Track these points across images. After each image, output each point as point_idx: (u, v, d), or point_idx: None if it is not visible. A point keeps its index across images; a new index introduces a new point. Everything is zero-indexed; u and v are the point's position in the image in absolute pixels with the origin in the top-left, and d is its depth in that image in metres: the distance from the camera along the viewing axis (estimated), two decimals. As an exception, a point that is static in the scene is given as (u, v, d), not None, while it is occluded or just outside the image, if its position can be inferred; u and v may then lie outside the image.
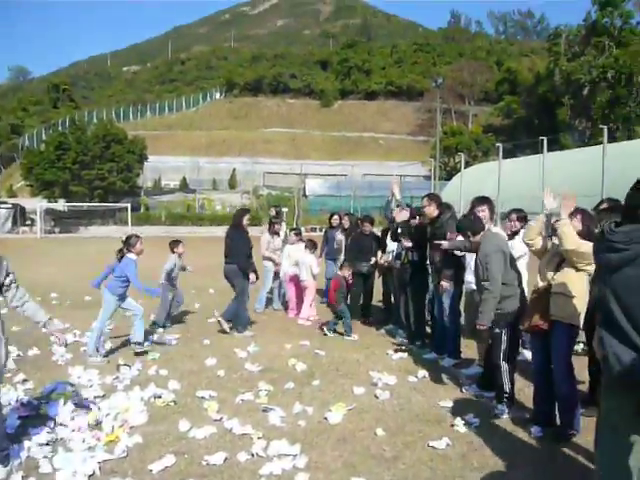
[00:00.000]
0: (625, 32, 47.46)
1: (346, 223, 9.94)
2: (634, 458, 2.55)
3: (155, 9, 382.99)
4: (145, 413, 4.85)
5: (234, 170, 54.57)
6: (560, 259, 4.47)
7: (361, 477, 3.81)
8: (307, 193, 48.87)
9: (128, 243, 6.84)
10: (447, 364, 6.40)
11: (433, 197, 6.82)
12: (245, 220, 8.16)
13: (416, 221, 7.03)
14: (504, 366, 4.95)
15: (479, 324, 4.90)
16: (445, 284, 6.23)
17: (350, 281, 8.40)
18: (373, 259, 8.53)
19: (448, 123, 60.17)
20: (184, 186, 51.44)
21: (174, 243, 8.51)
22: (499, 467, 3.98)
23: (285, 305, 9.73)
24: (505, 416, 4.84)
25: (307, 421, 4.76)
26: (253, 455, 4.14)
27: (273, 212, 10.39)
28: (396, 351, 6.95)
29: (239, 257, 7.85)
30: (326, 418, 4.80)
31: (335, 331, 7.98)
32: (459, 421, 4.67)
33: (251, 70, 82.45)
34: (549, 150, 29.19)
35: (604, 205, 5.06)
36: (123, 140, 43.37)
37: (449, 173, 46.33)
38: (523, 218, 6.38)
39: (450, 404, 5.12)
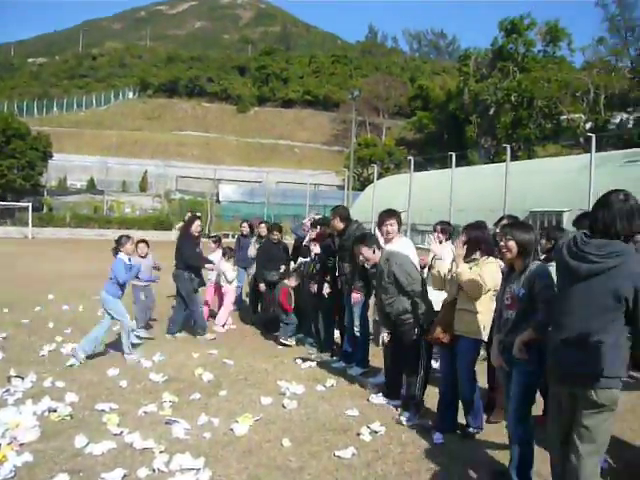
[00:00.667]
0: (528, 59, 50.47)
1: (263, 231, 9.85)
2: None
3: None
4: (37, 429, 4.55)
5: (145, 172, 52.87)
6: None
7: (265, 490, 3.76)
8: (220, 199, 48.25)
9: (119, 243, 6.95)
10: (355, 373, 6.47)
11: (337, 211, 6.92)
12: (194, 227, 8.32)
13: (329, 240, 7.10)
14: (420, 373, 5.09)
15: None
16: (356, 295, 6.31)
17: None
18: (283, 267, 8.50)
19: (362, 135, 61.44)
20: (92, 187, 49.22)
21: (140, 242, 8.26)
22: (402, 475, 4.05)
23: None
24: (411, 423, 4.95)
25: (212, 433, 4.64)
26: (154, 470, 3.98)
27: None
28: (305, 360, 6.94)
29: (184, 262, 8.02)
30: (232, 429, 4.71)
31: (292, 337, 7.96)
32: (365, 430, 4.72)
33: (166, 71, 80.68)
34: (457, 165, 30.43)
35: (504, 221, 5.36)
36: (25, 136, 40.77)
37: (362, 183, 47.35)
38: (447, 230, 6.51)
39: (356, 413, 5.16)
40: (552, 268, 3.72)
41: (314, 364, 6.82)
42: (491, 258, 4.56)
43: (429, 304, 5.18)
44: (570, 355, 3.10)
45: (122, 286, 6.87)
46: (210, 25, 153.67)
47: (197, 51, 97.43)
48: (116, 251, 6.93)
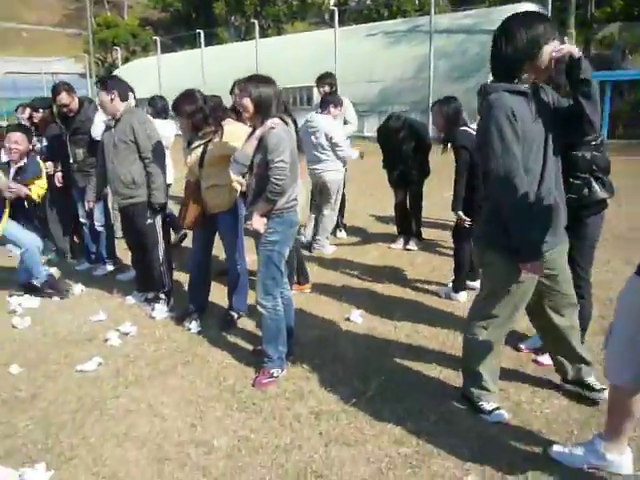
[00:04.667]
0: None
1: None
2: None
3: None
4: None
5: None
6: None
7: (-15, 431, 3.05)
8: None
9: None
10: (102, 272, 5.76)
11: (62, 86, 5.67)
12: None
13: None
14: (159, 260, 4.59)
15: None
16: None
17: None
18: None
19: (102, 14, 54.92)
20: None
21: None
22: (157, 375, 3.63)
23: None
24: (164, 315, 4.51)
25: None
26: None
27: None
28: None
29: None
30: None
31: None
32: (113, 334, 4.16)
33: None
34: (207, 44, 29.07)
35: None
36: None
37: (107, 70, 42.79)
38: None
39: (104, 317, 4.55)
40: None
41: (53, 269, 5.89)
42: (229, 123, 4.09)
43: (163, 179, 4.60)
44: None
45: None
46: None
47: None
48: None
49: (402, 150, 6.02)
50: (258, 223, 3.31)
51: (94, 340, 4.16)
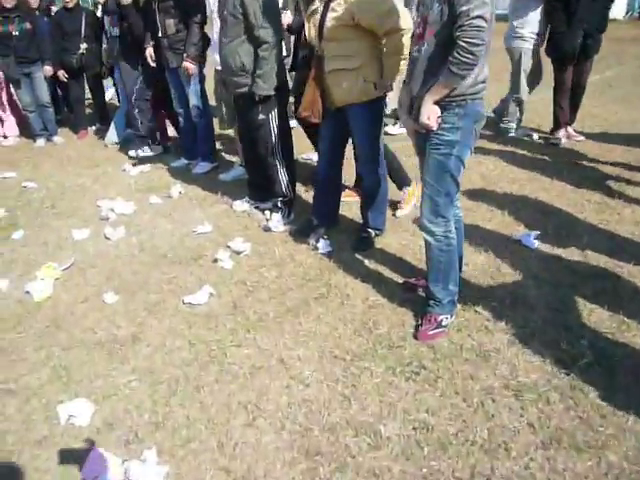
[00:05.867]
0: None
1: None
2: None
3: None
4: None
5: None
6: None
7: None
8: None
9: None
10: (201, 170, 4.94)
11: None
12: None
13: None
14: (278, 162, 3.66)
15: None
16: (190, 65, 4.49)
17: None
18: (83, 46, 6.16)
19: None
20: None
21: None
22: (285, 313, 2.82)
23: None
24: (281, 228, 3.66)
25: (-4, 303, 3.08)
26: None
27: None
28: (135, 165, 5.25)
29: None
30: (28, 292, 3.14)
31: None
32: (223, 253, 3.36)
33: None
34: None
35: None
36: None
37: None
38: None
39: (209, 228, 3.76)
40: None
41: (147, 167, 5.16)
42: None
43: (283, 67, 3.57)
44: None
45: None
46: None
47: None
48: None
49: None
50: (431, 114, 2.26)
51: (200, 259, 3.39)
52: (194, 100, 4.70)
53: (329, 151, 3.37)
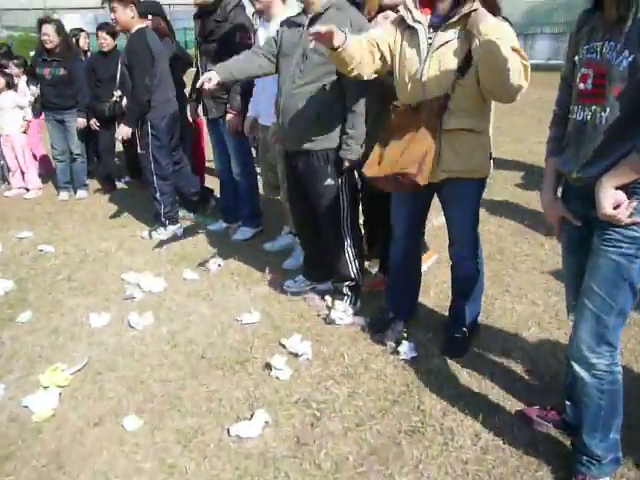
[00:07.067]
0: None
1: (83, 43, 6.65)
2: None
3: None
4: None
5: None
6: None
7: None
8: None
9: None
10: (243, 237, 4.24)
11: None
12: None
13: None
14: (346, 238, 2.94)
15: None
16: (234, 117, 3.86)
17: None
18: (117, 93, 5.62)
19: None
20: None
21: None
22: (369, 458, 2.05)
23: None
24: (348, 320, 2.92)
25: (-16, 421, 2.35)
26: None
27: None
28: (166, 225, 4.47)
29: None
30: (26, 407, 2.43)
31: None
32: (277, 359, 2.59)
33: None
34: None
35: None
36: None
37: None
38: None
39: (256, 317, 3.01)
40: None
41: (180, 230, 4.49)
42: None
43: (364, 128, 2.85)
44: None
45: None
46: None
47: None
48: None
49: None
50: (618, 203, 1.53)
51: (248, 364, 2.62)
52: (237, 156, 4.06)
53: (407, 234, 2.64)
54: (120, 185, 6.14)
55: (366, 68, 2.32)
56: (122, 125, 4.13)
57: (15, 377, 2.67)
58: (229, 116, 3.88)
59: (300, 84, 2.72)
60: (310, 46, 2.65)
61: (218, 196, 4.83)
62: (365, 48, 2.28)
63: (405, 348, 2.59)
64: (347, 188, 2.84)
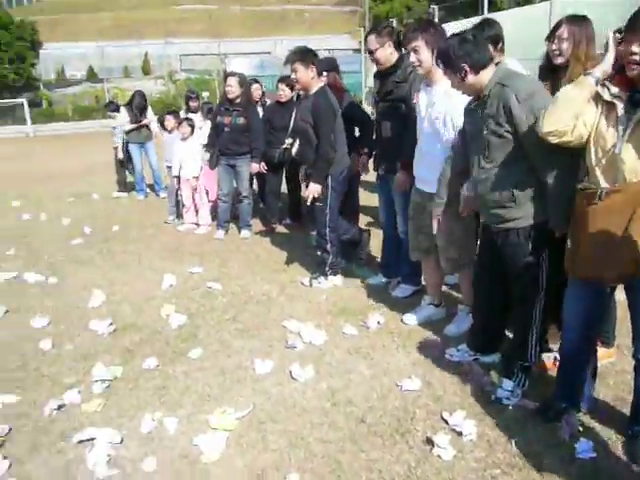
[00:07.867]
0: None
1: (257, 93, 7.17)
2: None
3: None
4: None
5: (146, 54, 48.76)
6: None
7: None
8: (230, 75, 44.40)
9: None
10: (402, 294, 4.22)
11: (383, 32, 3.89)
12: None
13: None
14: (535, 322, 2.75)
15: None
16: (403, 179, 3.88)
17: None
18: (288, 141, 5.96)
19: (377, -10, 55.19)
20: (92, 76, 45.56)
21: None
22: None
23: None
24: (515, 401, 2.74)
25: (159, 452, 2.51)
26: None
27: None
28: (326, 275, 4.54)
29: None
30: (197, 445, 2.56)
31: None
32: (442, 438, 2.49)
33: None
34: (491, 10, 26.35)
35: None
36: (9, 25, 37.11)
37: (382, 44, 42.63)
38: None
39: (418, 384, 2.95)
40: None
41: (339, 281, 4.56)
42: None
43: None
44: None
45: None
46: None
47: None
48: None
49: None
50: None
51: (409, 436, 2.54)
52: (403, 214, 4.06)
53: (582, 325, 2.44)
54: (279, 228, 6.44)
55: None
56: (312, 184, 4.25)
57: (186, 413, 2.84)
58: (399, 174, 3.91)
59: (485, 170, 2.67)
60: (486, 124, 2.60)
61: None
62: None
63: (581, 447, 2.36)
64: (546, 267, 2.66)
